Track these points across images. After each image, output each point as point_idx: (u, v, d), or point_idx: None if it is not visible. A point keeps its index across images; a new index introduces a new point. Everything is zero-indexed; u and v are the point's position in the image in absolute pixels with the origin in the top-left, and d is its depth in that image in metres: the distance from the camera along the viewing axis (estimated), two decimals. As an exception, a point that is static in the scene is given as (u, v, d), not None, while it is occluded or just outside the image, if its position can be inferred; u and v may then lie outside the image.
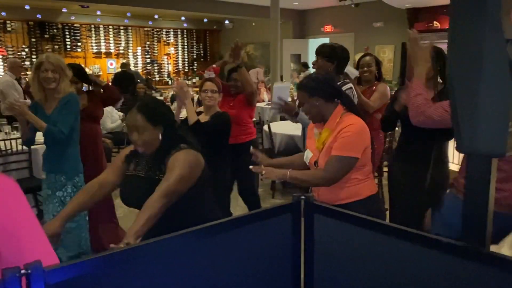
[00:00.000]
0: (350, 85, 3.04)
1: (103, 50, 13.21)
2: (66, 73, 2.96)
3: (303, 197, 1.63)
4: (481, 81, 1.29)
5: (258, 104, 8.16)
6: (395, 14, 10.62)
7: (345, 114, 2.24)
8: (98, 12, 12.44)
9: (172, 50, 14.79)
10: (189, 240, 1.36)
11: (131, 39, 13.77)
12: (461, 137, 1.35)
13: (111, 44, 13.35)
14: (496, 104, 1.29)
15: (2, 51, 11.35)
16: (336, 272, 1.60)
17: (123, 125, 6.43)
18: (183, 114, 3.28)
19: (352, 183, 2.24)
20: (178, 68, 14.97)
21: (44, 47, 12.05)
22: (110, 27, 13.31)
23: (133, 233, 1.69)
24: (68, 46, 12.50)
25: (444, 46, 2.59)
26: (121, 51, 13.57)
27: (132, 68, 12.49)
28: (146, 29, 14.04)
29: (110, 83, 6.40)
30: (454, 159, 4.18)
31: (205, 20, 14.51)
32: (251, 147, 2.57)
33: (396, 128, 6.38)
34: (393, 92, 3.17)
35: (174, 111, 6.87)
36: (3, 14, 11.09)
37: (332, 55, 3.04)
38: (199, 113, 3.22)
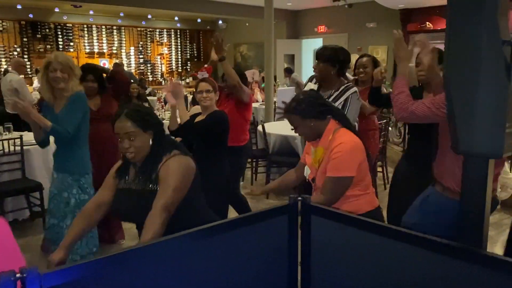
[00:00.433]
0: (355, 89, 2.97)
1: (96, 50, 13.14)
2: (75, 72, 2.96)
3: (300, 198, 1.62)
4: (477, 82, 1.30)
5: (253, 104, 8.15)
6: (388, 14, 10.67)
7: (337, 130, 2.23)
8: (91, 12, 12.38)
9: (165, 50, 14.75)
10: (186, 242, 1.35)
11: (124, 39, 13.71)
12: (458, 138, 1.36)
13: (104, 44, 13.29)
14: (493, 105, 1.29)
15: (-6, 51, 11.27)
16: (333, 273, 1.60)
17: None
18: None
19: (351, 199, 2.23)
20: (172, 68, 14.93)
21: (36, 47, 11.96)
22: (103, 27, 13.24)
23: None
24: (61, 46, 12.41)
25: (437, 47, 2.63)
26: (114, 51, 13.50)
27: (125, 68, 12.42)
28: (139, 29, 13.99)
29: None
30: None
31: (199, 20, 14.48)
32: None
33: (390, 129, 6.38)
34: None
35: (168, 112, 6.80)
36: (-5, 13, 11.02)
37: (335, 59, 2.95)
38: (198, 114, 3.19)
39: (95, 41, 13.10)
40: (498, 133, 1.29)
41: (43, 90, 2.94)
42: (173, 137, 2.84)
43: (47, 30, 12.19)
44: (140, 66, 14.08)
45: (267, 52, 7.27)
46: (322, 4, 11.81)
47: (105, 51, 13.31)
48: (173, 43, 14.93)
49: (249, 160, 5.10)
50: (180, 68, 15.11)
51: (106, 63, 12.93)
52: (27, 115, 2.73)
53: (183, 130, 3.01)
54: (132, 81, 9.66)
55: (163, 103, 7.44)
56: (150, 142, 1.97)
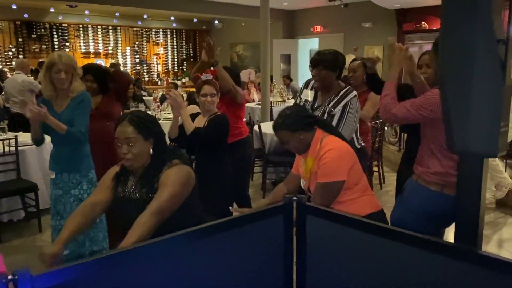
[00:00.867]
0: (355, 93, 2.93)
1: (92, 50, 13.09)
2: (78, 72, 2.97)
3: (295, 198, 1.62)
4: (472, 81, 1.30)
5: (249, 104, 8.15)
6: (384, 14, 10.69)
7: (325, 138, 2.27)
8: (87, 12, 12.32)
9: (161, 50, 14.72)
10: (181, 242, 1.34)
11: (120, 39, 13.67)
12: (453, 137, 1.36)
13: (99, 44, 13.24)
14: (488, 104, 1.29)
15: (-11, 51, 11.21)
16: (328, 272, 1.59)
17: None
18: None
19: (349, 202, 2.24)
20: (168, 68, 14.90)
21: (31, 47, 11.91)
22: (99, 27, 13.20)
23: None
24: (56, 46, 12.36)
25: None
26: (110, 51, 13.46)
27: (121, 68, 12.39)
28: (135, 29, 13.95)
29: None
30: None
31: (195, 20, 14.46)
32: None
33: (386, 128, 6.40)
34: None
35: (164, 112, 6.78)
36: (-11, 13, 10.96)
37: (336, 64, 2.88)
38: (196, 114, 3.18)
39: (90, 41, 13.05)
40: (492, 132, 1.29)
41: (46, 89, 2.94)
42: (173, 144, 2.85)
43: (43, 30, 12.13)
44: (136, 66, 14.05)
45: (263, 52, 7.27)
46: (318, 4, 11.82)
47: (100, 51, 13.26)
48: (169, 43, 14.90)
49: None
50: (176, 68, 15.08)
51: (102, 63, 12.90)
52: (42, 119, 2.72)
53: (190, 140, 3.00)
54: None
55: (159, 103, 7.43)
56: (150, 151, 1.95)
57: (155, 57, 14.56)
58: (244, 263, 1.54)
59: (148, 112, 6.63)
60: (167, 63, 14.92)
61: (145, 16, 13.38)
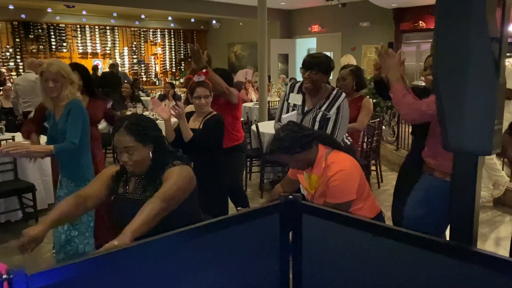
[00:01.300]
0: (344, 95, 2.94)
1: (89, 51, 13.09)
2: (71, 78, 2.85)
3: (291, 197, 1.62)
4: (467, 79, 1.30)
5: (246, 104, 8.15)
6: (381, 14, 10.71)
7: (329, 155, 2.22)
8: (84, 12, 12.31)
9: (159, 50, 14.72)
10: (177, 241, 1.35)
11: (117, 39, 13.66)
12: (447, 135, 1.36)
13: (97, 44, 13.23)
14: (482, 102, 1.30)
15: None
16: (324, 271, 1.60)
17: (109, 127, 6.36)
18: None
19: (354, 212, 2.23)
20: (166, 68, 14.90)
21: (28, 48, 11.90)
22: (96, 27, 13.19)
23: (129, 231, 1.61)
24: (54, 47, 12.35)
25: (429, 46, 2.65)
26: (108, 51, 13.45)
27: (119, 69, 12.38)
28: (132, 29, 13.95)
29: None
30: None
31: (192, 20, 14.46)
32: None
33: (384, 127, 6.40)
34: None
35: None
36: (-13, 14, 10.94)
37: (329, 67, 2.89)
38: (192, 113, 3.18)
39: (88, 41, 13.04)
40: (487, 130, 1.29)
41: (43, 98, 2.88)
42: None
43: (40, 30, 12.13)
44: (133, 67, 14.04)
45: (261, 52, 7.27)
46: (316, 3, 11.82)
47: (98, 51, 13.25)
48: (166, 43, 14.90)
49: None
50: (174, 68, 15.08)
51: (99, 64, 12.88)
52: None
53: (189, 146, 3.00)
54: (126, 81, 9.64)
55: (157, 103, 7.40)
56: (151, 155, 1.95)
57: (152, 57, 14.56)
58: (240, 261, 1.54)
59: (146, 112, 6.65)
60: (165, 63, 14.92)
61: (142, 16, 13.38)
